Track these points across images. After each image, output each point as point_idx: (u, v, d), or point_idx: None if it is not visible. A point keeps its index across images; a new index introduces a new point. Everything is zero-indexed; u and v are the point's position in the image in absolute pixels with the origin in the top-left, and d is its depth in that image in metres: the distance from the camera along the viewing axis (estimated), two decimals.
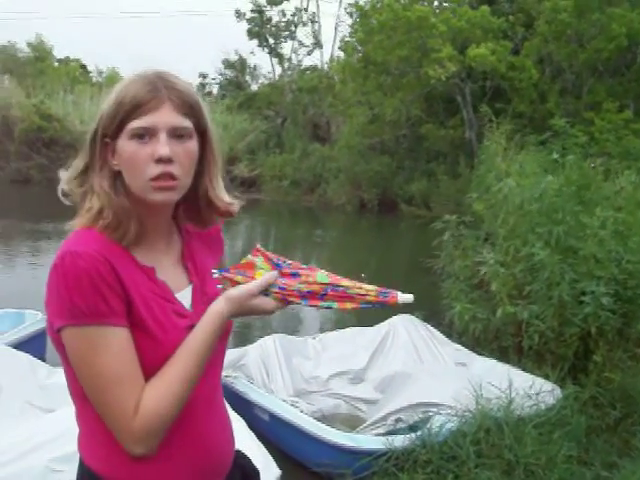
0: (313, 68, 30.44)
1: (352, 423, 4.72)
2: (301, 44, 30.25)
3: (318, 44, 30.41)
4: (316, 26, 30.47)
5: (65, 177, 1.51)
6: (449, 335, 5.98)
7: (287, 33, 29.80)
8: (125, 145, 1.41)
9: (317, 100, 26.04)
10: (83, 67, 39.13)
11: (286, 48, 30.42)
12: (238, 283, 1.49)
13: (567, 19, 16.01)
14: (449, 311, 6.14)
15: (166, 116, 1.40)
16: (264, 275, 1.49)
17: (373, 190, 19.70)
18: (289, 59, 30.43)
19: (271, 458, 3.62)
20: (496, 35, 17.42)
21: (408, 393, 4.60)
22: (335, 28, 30.67)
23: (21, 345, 5.35)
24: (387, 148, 20.75)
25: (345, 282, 1.51)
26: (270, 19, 29.47)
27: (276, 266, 1.50)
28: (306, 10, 30.22)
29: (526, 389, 4.49)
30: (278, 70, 30.97)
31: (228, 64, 32.10)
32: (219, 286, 1.54)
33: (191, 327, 1.44)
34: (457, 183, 16.58)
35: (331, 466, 4.06)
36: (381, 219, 18.71)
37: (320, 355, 5.58)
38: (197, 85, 30.94)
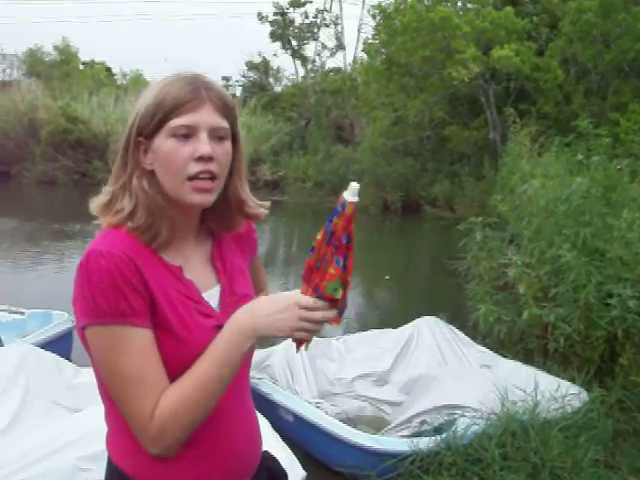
0: (336, 70, 30.43)
1: (376, 425, 4.71)
2: (324, 46, 30.31)
3: (341, 46, 30.43)
4: (339, 28, 30.52)
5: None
6: (473, 337, 5.95)
7: (309, 35, 29.82)
8: (163, 143, 1.42)
9: (340, 102, 26.01)
10: (108, 70, 39.45)
11: (309, 50, 30.49)
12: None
13: (592, 19, 15.85)
14: (474, 313, 6.11)
15: (207, 116, 1.42)
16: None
17: (397, 192, 19.63)
18: (312, 61, 30.48)
19: (295, 459, 3.62)
20: (520, 36, 17.28)
21: (433, 395, 4.59)
22: (358, 30, 30.63)
23: (47, 345, 5.39)
24: (411, 150, 20.66)
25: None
26: (293, 21, 29.52)
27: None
28: (328, 11, 30.28)
29: (552, 392, 4.46)
30: (301, 72, 31.06)
31: (251, 66, 32.18)
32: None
33: (218, 327, 1.44)
34: (481, 185, 16.49)
35: (355, 468, 4.06)
36: (404, 221, 18.66)
37: (344, 357, 5.57)
38: None
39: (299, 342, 1.43)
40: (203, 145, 1.40)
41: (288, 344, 5.34)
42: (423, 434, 4.25)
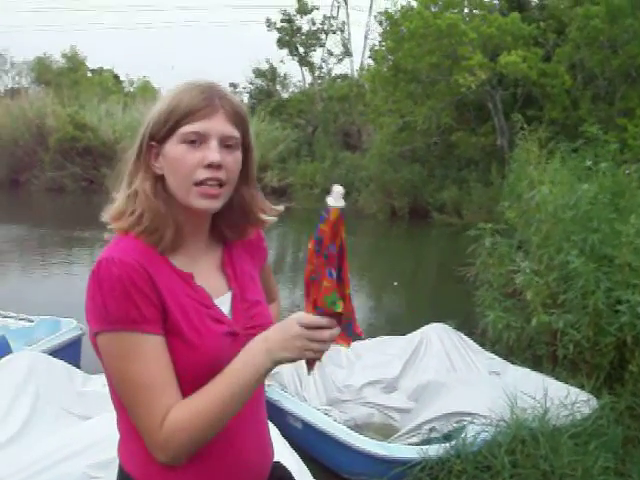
0: (343, 76, 30.48)
1: (385, 432, 4.71)
2: (330, 53, 30.36)
3: (348, 52, 30.47)
4: (346, 34, 30.57)
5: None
6: (482, 344, 5.94)
7: (316, 42, 29.86)
8: (174, 148, 1.44)
9: (347, 108, 26.05)
10: (115, 77, 39.61)
11: (316, 57, 30.55)
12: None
13: (599, 25, 15.84)
14: (482, 320, 6.10)
15: (219, 124, 1.43)
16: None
17: (404, 198, 19.64)
18: (319, 68, 30.52)
19: (304, 466, 3.62)
20: (527, 42, 17.29)
21: (442, 402, 4.58)
22: (365, 37, 30.65)
23: (56, 352, 5.41)
24: (418, 156, 20.66)
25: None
26: (300, 28, 29.57)
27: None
28: (335, 18, 30.33)
29: (561, 398, 4.44)
30: (308, 79, 31.10)
31: (259, 73, 32.25)
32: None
33: (230, 333, 1.45)
34: (489, 191, 16.47)
35: (364, 475, 4.06)
36: (412, 227, 18.66)
37: (353, 364, 5.57)
38: None
39: (310, 362, 1.40)
40: (212, 153, 1.41)
41: None
42: (432, 441, 4.24)
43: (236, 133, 1.46)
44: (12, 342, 5.53)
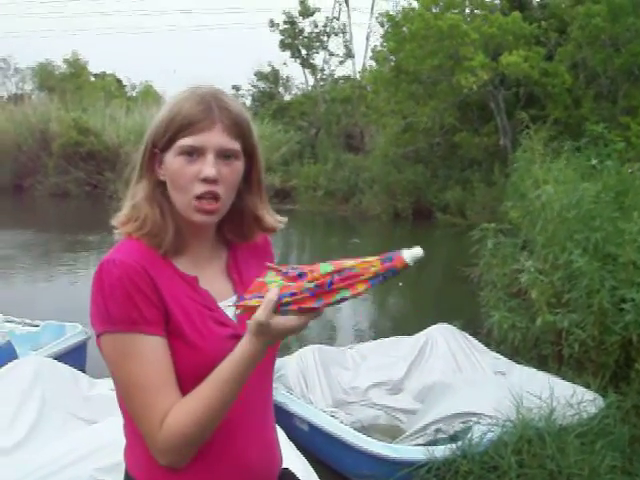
0: (346, 78, 30.48)
1: (391, 433, 4.70)
2: (331, 54, 30.36)
3: (350, 54, 30.48)
4: (347, 36, 30.57)
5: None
6: (487, 344, 5.93)
7: (318, 44, 29.87)
8: (172, 160, 1.44)
9: (350, 110, 26.06)
10: (118, 82, 39.66)
11: (318, 59, 30.55)
12: (256, 307, 1.34)
13: (601, 24, 15.83)
14: (487, 320, 6.10)
15: (216, 137, 1.42)
16: (266, 295, 1.35)
17: (407, 199, 19.65)
18: (321, 69, 30.53)
19: (311, 468, 3.62)
20: (528, 41, 17.28)
21: (448, 403, 4.57)
22: (367, 38, 30.66)
23: (62, 357, 5.41)
24: (421, 157, 20.66)
25: (349, 262, 1.35)
26: (302, 30, 29.59)
27: (284, 274, 1.38)
28: (337, 19, 30.34)
29: (567, 398, 4.43)
30: (311, 81, 31.11)
31: (261, 76, 32.28)
32: (237, 311, 1.46)
33: (235, 336, 1.43)
34: (492, 191, 16.46)
35: (371, 477, 4.05)
36: (416, 228, 18.65)
37: (358, 365, 5.57)
38: None
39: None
40: (207, 167, 1.40)
41: (302, 353, 5.36)
42: (438, 442, 4.23)
43: (235, 145, 1.45)
44: (18, 347, 5.54)
